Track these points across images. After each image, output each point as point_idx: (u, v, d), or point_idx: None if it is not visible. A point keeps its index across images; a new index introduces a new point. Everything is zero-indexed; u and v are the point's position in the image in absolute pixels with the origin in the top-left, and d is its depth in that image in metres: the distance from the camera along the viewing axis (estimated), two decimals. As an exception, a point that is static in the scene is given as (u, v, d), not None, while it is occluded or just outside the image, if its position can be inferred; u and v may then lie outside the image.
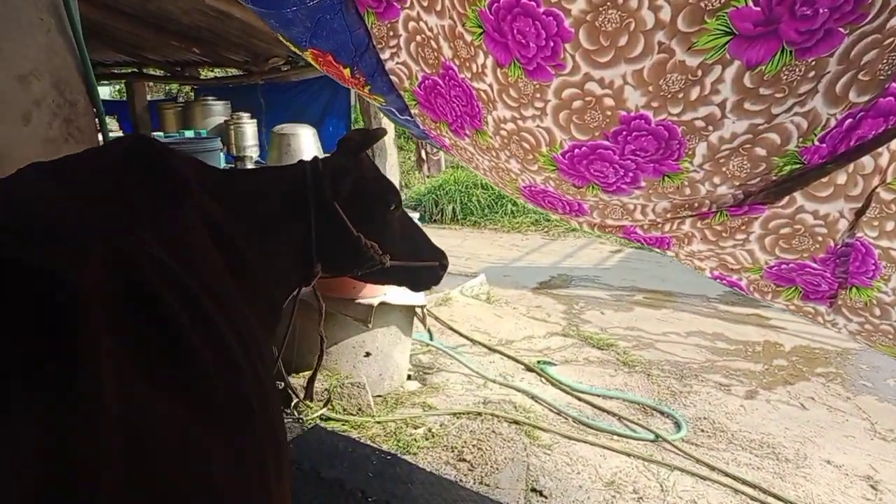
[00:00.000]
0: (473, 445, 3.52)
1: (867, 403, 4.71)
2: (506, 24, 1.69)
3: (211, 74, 8.85)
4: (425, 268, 2.27)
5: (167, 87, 11.49)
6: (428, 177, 11.47)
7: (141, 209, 1.35)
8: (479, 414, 3.92)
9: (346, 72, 2.45)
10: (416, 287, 2.42)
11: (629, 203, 2.03)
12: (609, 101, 1.68)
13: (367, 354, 4.00)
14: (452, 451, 3.47)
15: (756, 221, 1.84)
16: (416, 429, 3.67)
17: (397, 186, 6.38)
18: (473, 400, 4.16)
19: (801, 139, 1.55)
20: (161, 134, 4.70)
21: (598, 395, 4.55)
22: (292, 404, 3.72)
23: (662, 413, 4.40)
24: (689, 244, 2.08)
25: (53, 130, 2.85)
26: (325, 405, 3.70)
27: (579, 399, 4.46)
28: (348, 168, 1.98)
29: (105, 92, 12.50)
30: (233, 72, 6.95)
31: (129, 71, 7.73)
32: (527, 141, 1.98)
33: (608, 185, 1.95)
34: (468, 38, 1.83)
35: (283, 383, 3.80)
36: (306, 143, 4.38)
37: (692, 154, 1.69)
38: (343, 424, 3.62)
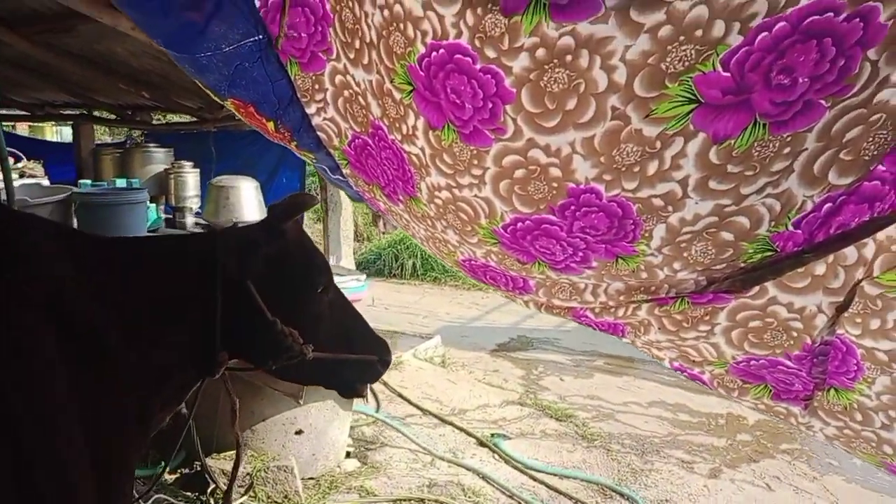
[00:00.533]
0: (413, 540, 3.17)
1: (834, 484, 4.49)
2: (438, 81, 1.47)
3: (173, 119, 8.59)
4: (359, 363, 1.94)
5: (125, 131, 11.20)
6: (384, 233, 11.24)
7: None
8: (422, 501, 3.57)
9: (270, 125, 2.21)
10: (344, 388, 2.07)
11: (579, 282, 1.79)
12: (555, 172, 1.45)
13: (299, 432, 3.64)
14: (389, 549, 3.11)
15: (721, 312, 1.61)
16: (349, 520, 3.31)
17: (347, 243, 6.11)
18: (418, 482, 3.81)
19: (773, 223, 1.33)
20: (88, 182, 4.38)
21: (555, 475, 4.25)
22: (208, 490, 3.32)
23: (622, 495, 4.10)
24: (645, 333, 1.84)
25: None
26: (246, 492, 3.31)
27: (534, 479, 4.15)
28: (260, 241, 1.71)
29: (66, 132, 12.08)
30: (186, 118, 6.69)
31: (78, 113, 7.43)
32: (464, 212, 1.73)
33: (555, 262, 1.71)
34: (397, 95, 1.61)
35: (200, 466, 3.42)
36: (247, 198, 4.10)
37: (649, 236, 1.46)
38: None
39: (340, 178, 2.32)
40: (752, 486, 4.42)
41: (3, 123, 9.51)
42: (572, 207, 1.49)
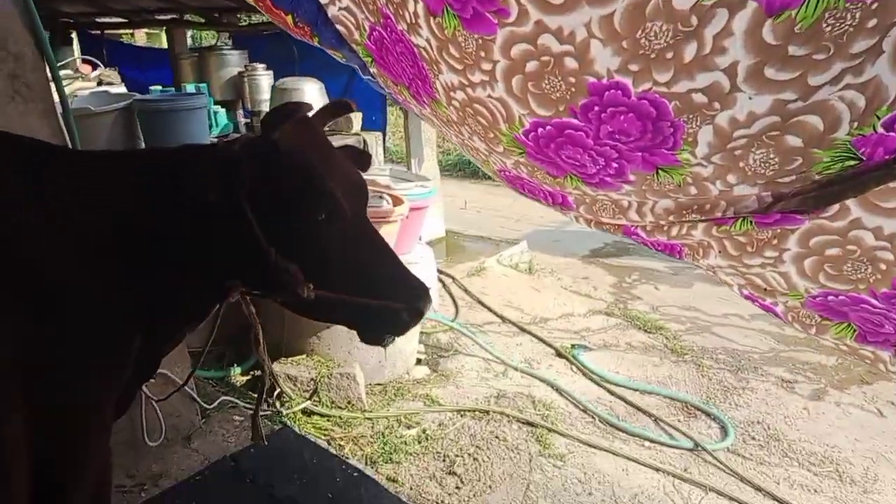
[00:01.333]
0: (469, 454, 3.10)
1: (961, 414, 3.99)
2: (427, -49, 1.19)
3: (262, 19, 8.51)
4: (378, 309, 1.55)
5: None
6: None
7: None
8: (486, 412, 3.49)
9: (289, 19, 2.00)
10: (365, 335, 1.70)
11: (621, 199, 1.51)
12: (571, 63, 1.16)
13: (364, 340, 3.62)
14: (443, 461, 3.06)
15: (792, 236, 1.29)
16: (409, 429, 3.28)
17: (430, 145, 5.87)
18: (486, 393, 3.73)
19: (855, 124, 1.00)
20: (158, 88, 4.39)
21: (635, 390, 4.04)
22: (274, 394, 3.40)
23: (708, 415, 3.84)
24: (704, 256, 1.55)
25: (-4, 87, 2.54)
26: (310, 397, 3.36)
27: (611, 393, 3.96)
28: (240, 157, 1.41)
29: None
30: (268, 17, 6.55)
31: (170, 18, 7.49)
32: (482, 115, 1.48)
33: (588, 176, 1.44)
34: (391, -27, 1.34)
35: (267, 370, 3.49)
36: (310, 100, 3.95)
37: (693, 142, 1.16)
38: (327, 420, 3.28)
39: (371, 78, 2.09)
40: (861, 410, 4.01)
41: (115, 31, 9.82)
42: (596, 108, 1.21)
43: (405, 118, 5.76)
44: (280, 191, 1.46)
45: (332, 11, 1.82)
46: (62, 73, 5.70)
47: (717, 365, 4.47)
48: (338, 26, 1.87)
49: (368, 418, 3.33)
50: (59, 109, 2.75)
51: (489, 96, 1.38)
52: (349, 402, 3.39)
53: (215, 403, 3.29)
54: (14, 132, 2.61)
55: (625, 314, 5.18)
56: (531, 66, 1.22)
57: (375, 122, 6.02)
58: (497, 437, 3.26)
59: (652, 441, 3.49)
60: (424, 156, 5.72)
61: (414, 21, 1.40)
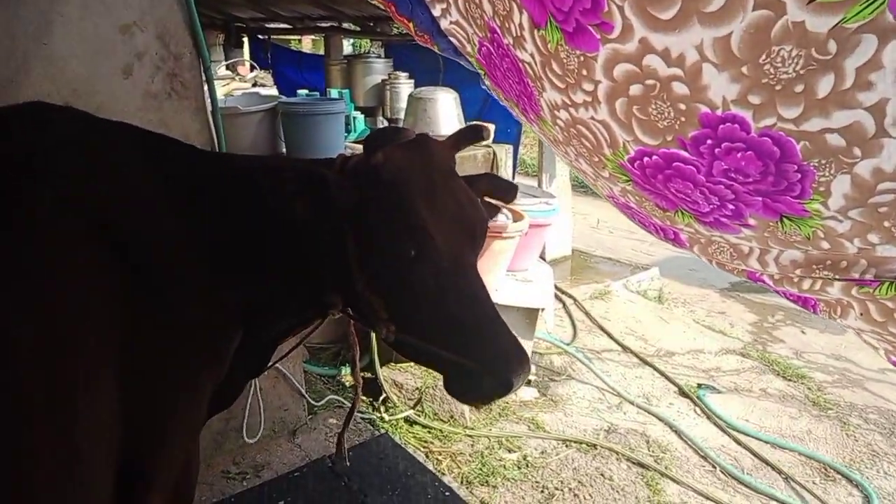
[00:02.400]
0: (570, 489, 2.93)
1: None
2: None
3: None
4: (463, 367, 1.31)
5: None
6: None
7: None
8: (594, 446, 3.29)
9: (412, 26, 1.98)
10: (450, 388, 1.41)
11: (740, 244, 1.32)
12: (681, 89, 1.03)
13: (472, 356, 3.55)
14: (542, 492, 2.91)
15: (955, 309, 1.05)
16: (509, 452, 3.16)
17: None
18: (596, 425, 3.53)
19: None
20: (304, 92, 4.59)
21: (765, 442, 3.65)
22: (380, 399, 3.42)
23: (850, 480, 3.39)
24: (843, 316, 1.32)
25: (156, 84, 2.75)
26: (414, 406, 3.34)
27: (738, 443, 3.61)
28: (325, 176, 1.37)
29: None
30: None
31: (328, 25, 7.91)
32: (586, 138, 1.36)
33: (701, 214, 1.27)
34: (497, -17, 1.27)
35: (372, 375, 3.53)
36: (445, 110, 3.94)
37: (825, 192, 0.98)
38: (428, 432, 3.24)
39: (487, 88, 2.02)
40: None
41: (283, 37, 10.55)
42: (709, 142, 1.05)
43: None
44: (378, 220, 1.36)
45: (444, 24, 1.78)
46: (225, 73, 6.17)
47: (867, 425, 3.95)
48: (451, 38, 1.82)
49: (469, 435, 3.25)
50: (209, 108, 2.95)
51: (592, 118, 1.26)
52: (452, 417, 3.33)
53: (323, 401, 3.37)
54: (168, 127, 2.82)
55: (763, 357, 4.71)
56: (635, 89, 1.09)
57: (510, 134, 5.95)
58: (602, 475, 3.06)
59: (780, 502, 3.12)
60: (557, 171, 5.57)
61: (519, 34, 1.32)
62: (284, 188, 1.37)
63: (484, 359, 1.30)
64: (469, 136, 1.55)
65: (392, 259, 1.35)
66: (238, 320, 1.50)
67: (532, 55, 1.31)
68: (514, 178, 4.99)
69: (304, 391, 3.21)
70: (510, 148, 4.65)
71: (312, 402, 3.31)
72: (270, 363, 1.77)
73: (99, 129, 1.36)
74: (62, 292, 1.10)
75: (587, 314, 4.84)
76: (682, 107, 1.03)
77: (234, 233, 1.47)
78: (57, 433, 1.02)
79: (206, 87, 2.93)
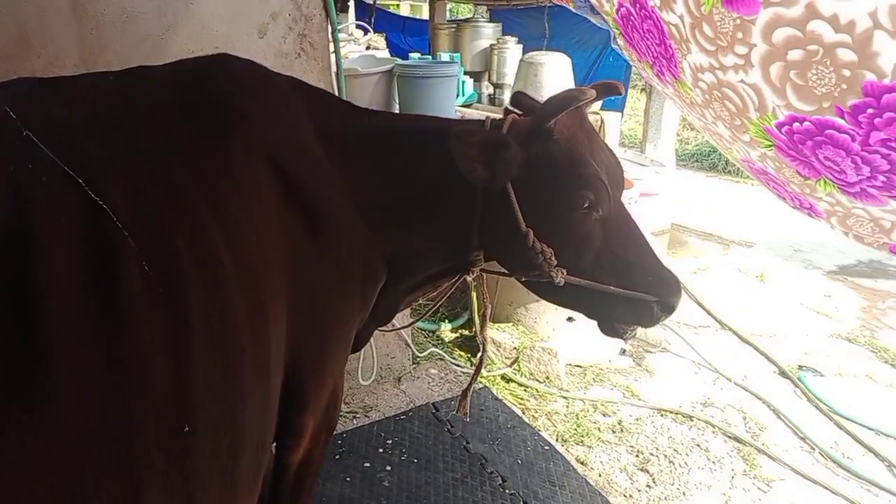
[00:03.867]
0: (666, 456, 2.97)
1: None
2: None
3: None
4: (633, 302, 1.55)
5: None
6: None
7: (162, 143, 1.18)
8: (690, 418, 3.29)
9: (552, -21, 2.02)
10: (605, 326, 1.70)
11: (882, 218, 1.32)
12: (846, 55, 1.04)
13: (570, 319, 3.60)
14: (637, 457, 2.97)
15: None
16: (604, 416, 3.22)
17: (670, 131, 5.58)
18: (691, 398, 3.52)
19: None
20: (417, 55, 4.67)
21: (870, 430, 3.53)
22: (478, 356, 3.53)
23: (961, 475, 3.25)
24: None
25: (287, 44, 2.90)
26: (511, 364, 3.45)
27: (839, 427, 3.52)
28: (506, 141, 1.47)
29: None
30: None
31: (435, -11, 7.96)
32: (731, 101, 1.38)
33: (846, 184, 1.28)
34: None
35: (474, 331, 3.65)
36: (555, 75, 3.92)
37: None
38: (524, 390, 3.34)
39: (619, 48, 2.04)
40: None
41: (384, 2, 10.67)
42: (870, 111, 1.07)
43: (647, 100, 5.53)
44: (547, 176, 1.50)
45: (584, -15, 1.81)
46: (342, 36, 6.32)
47: None
48: (589, -2, 1.85)
49: (564, 397, 3.34)
50: (333, 69, 3.09)
51: (741, 81, 1.28)
52: (547, 378, 3.42)
53: (425, 353, 3.53)
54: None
55: (870, 343, 4.52)
56: (795, 54, 1.11)
57: (615, 102, 5.87)
58: (698, 446, 3.08)
59: (881, 489, 3.04)
60: (662, 141, 5.46)
61: (669, -2, 1.34)
62: (463, 149, 1.46)
63: (650, 287, 1.54)
64: (606, 92, 1.59)
65: (565, 209, 1.50)
66: (384, 269, 1.62)
67: (681, 17, 1.34)
68: (617, 147, 4.95)
69: (410, 342, 3.37)
70: (618, 115, 4.61)
71: (417, 353, 3.47)
72: (410, 322, 1.90)
73: (274, 82, 1.48)
74: (252, 225, 1.22)
75: (685, 289, 4.77)
76: (847, 74, 1.05)
77: (390, 187, 1.58)
78: (257, 345, 1.15)
79: (331, 49, 3.07)
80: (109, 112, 1.17)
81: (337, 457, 2.75)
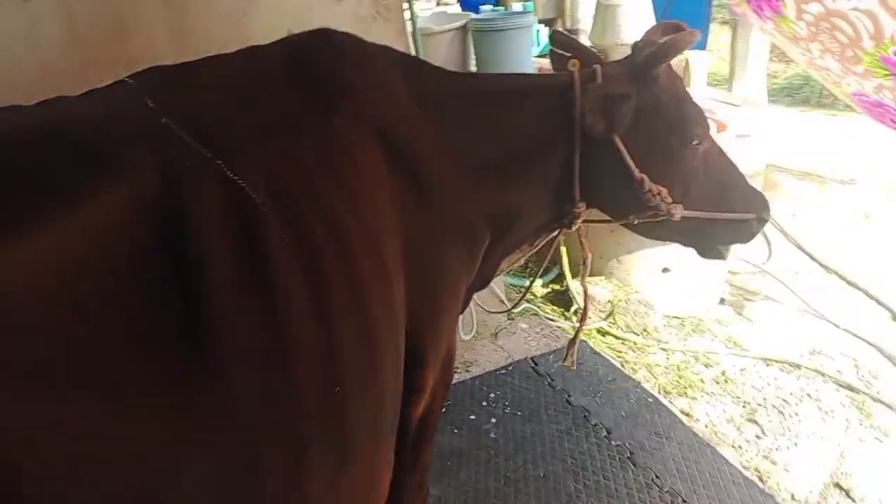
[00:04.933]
0: (774, 406, 2.87)
1: None
2: None
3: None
4: (731, 222, 1.72)
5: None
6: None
7: (282, 119, 1.24)
8: (798, 367, 3.17)
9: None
10: (706, 249, 1.87)
11: None
12: None
13: (665, 270, 3.50)
14: (743, 407, 2.89)
15: None
16: (706, 367, 3.14)
17: (759, 64, 5.27)
18: (798, 347, 3.38)
19: None
20: (489, 7, 4.55)
21: None
22: (571, 309, 3.51)
23: None
24: None
25: (363, 9, 2.90)
26: (606, 317, 3.40)
27: (964, 375, 3.31)
28: (629, 93, 1.53)
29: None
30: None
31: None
32: (841, 31, 1.30)
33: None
34: None
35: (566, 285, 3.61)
36: (635, 17, 3.73)
37: None
38: (622, 343, 3.30)
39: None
40: None
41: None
42: None
43: (732, 35, 5.22)
44: (657, 120, 1.58)
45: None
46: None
47: None
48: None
49: (663, 349, 3.28)
50: (408, 28, 3.06)
51: (854, 9, 1.19)
52: (644, 330, 3.37)
53: (520, 308, 3.53)
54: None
55: None
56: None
57: (698, 42, 5.56)
58: (808, 395, 2.97)
59: None
60: (750, 76, 5.16)
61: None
62: (589, 102, 1.53)
63: (748, 206, 1.72)
64: (685, 41, 1.61)
65: (676, 148, 1.61)
66: (488, 229, 1.62)
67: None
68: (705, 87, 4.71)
69: (504, 298, 3.38)
70: (703, 55, 4.37)
71: (511, 309, 3.47)
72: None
73: (371, 52, 1.51)
74: (368, 194, 1.27)
75: (784, 233, 4.55)
76: None
77: (489, 147, 1.59)
78: (387, 309, 1.21)
79: (405, 9, 3.04)
80: (233, 94, 1.24)
81: (444, 410, 2.81)
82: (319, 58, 1.38)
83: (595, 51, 1.92)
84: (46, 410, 0.77)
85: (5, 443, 0.74)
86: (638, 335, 3.35)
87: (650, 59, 1.57)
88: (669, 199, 1.57)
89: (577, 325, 2.05)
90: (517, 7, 4.26)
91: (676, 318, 3.56)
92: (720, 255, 1.84)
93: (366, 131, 1.32)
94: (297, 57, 1.37)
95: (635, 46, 1.71)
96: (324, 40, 1.44)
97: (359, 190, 1.24)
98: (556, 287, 3.87)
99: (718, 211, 1.67)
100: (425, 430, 1.68)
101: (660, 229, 1.73)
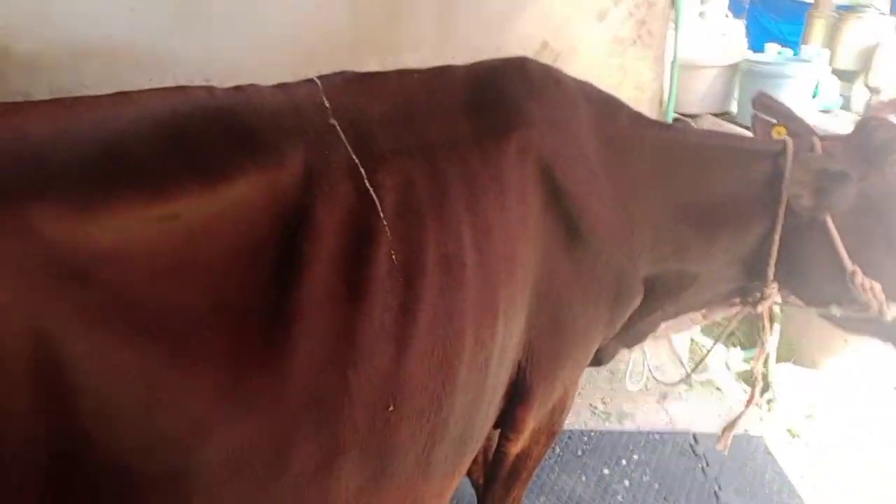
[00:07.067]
0: None
1: None
2: None
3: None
4: None
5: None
6: None
7: (445, 140, 1.25)
8: None
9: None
10: None
11: None
12: None
13: None
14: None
15: None
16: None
17: None
18: None
19: None
20: (776, 48, 4.05)
21: None
22: (765, 396, 3.10)
23: None
24: None
25: (624, 30, 2.83)
26: (804, 419, 2.94)
27: None
28: (850, 173, 1.39)
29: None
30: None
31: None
32: None
33: None
34: None
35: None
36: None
37: None
38: (817, 455, 2.80)
39: None
40: None
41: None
42: None
43: None
44: (883, 211, 1.46)
45: None
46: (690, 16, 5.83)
47: None
48: None
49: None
50: (669, 58, 2.92)
51: None
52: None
53: (703, 377, 3.23)
54: (626, 72, 2.90)
55: None
56: None
57: None
58: None
59: None
60: None
61: None
62: (800, 174, 1.43)
63: None
64: None
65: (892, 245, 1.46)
66: (641, 290, 1.53)
67: None
68: None
69: (684, 361, 3.12)
70: None
71: (691, 374, 3.20)
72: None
73: (565, 87, 1.46)
74: (506, 227, 1.24)
75: None
76: None
77: (671, 205, 1.51)
78: (479, 345, 1.19)
79: (671, 37, 2.89)
80: (407, 107, 1.27)
81: (580, 453, 2.71)
82: (505, 86, 1.37)
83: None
84: (120, 350, 0.87)
85: (74, 376, 0.84)
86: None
87: (890, 143, 1.43)
88: (883, 297, 1.44)
89: (744, 409, 1.93)
90: (811, 53, 3.78)
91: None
92: None
93: (529, 166, 1.29)
94: (482, 82, 1.37)
95: (863, 124, 1.54)
96: (518, 68, 1.43)
97: (496, 223, 1.22)
98: (762, 368, 3.46)
99: None
100: (521, 470, 1.66)
101: (865, 327, 1.61)
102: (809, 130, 1.64)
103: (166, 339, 0.91)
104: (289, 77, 1.32)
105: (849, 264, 1.44)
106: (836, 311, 1.55)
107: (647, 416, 2.99)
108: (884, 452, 2.88)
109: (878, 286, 1.44)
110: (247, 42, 2.30)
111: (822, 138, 1.56)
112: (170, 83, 1.10)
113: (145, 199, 0.91)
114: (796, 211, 1.45)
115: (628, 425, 2.93)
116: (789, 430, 2.99)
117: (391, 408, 1.08)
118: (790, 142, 1.50)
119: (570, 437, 2.78)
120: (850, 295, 1.47)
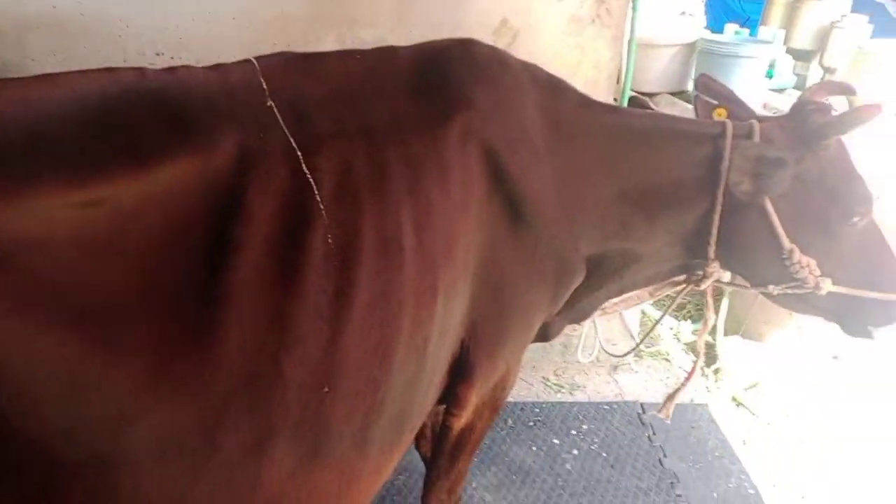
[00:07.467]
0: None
1: None
2: None
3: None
4: (885, 302, 1.62)
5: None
6: None
7: (387, 123, 1.25)
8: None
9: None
10: (851, 327, 1.75)
11: None
12: None
13: (836, 358, 3.08)
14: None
15: None
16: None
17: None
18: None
19: None
20: (735, 29, 4.11)
21: None
22: (713, 367, 3.22)
23: None
24: None
25: (583, 9, 2.84)
26: (747, 388, 3.06)
27: None
28: (787, 158, 1.44)
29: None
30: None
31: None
32: None
33: None
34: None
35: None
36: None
37: None
38: (754, 420, 2.93)
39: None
40: None
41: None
42: None
43: None
44: (818, 192, 1.51)
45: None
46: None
47: None
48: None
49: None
50: (626, 37, 2.94)
51: None
52: (787, 414, 3.00)
53: (652, 348, 3.34)
54: (583, 51, 2.91)
55: None
56: None
57: None
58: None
59: None
60: None
61: None
62: (738, 160, 1.47)
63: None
64: (868, 115, 1.46)
65: (835, 224, 1.53)
66: (583, 270, 1.57)
67: None
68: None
69: (634, 333, 3.22)
70: None
71: (641, 347, 3.30)
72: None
73: (511, 69, 1.47)
74: (446, 210, 1.26)
75: None
76: None
77: (614, 187, 1.54)
78: (417, 326, 1.22)
79: (629, 16, 2.92)
80: (349, 89, 1.27)
81: (531, 424, 2.79)
82: (449, 69, 1.38)
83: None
84: (41, 337, 0.87)
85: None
86: (787, 416, 2.98)
87: (825, 127, 1.47)
88: (818, 272, 1.52)
89: (684, 380, 2.02)
90: (768, 33, 3.84)
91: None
92: (867, 335, 1.73)
93: (472, 149, 1.31)
94: (429, 63, 1.38)
95: (799, 106, 1.57)
96: (463, 50, 1.44)
97: (437, 205, 1.24)
98: (709, 339, 3.58)
99: (868, 288, 1.58)
100: (465, 444, 1.70)
101: (801, 303, 1.67)
102: (750, 113, 1.68)
103: (90, 325, 0.91)
104: (243, 50, 1.31)
105: (787, 243, 1.49)
106: (773, 289, 1.62)
107: (597, 388, 3.08)
108: (823, 420, 3.02)
109: (813, 262, 1.51)
110: (200, 15, 2.27)
111: (762, 120, 1.60)
112: (119, 56, 1.07)
113: (69, 184, 0.90)
114: (735, 192, 1.49)
115: (579, 396, 3.02)
116: (734, 399, 3.12)
117: (326, 389, 1.09)
118: (730, 124, 1.54)
119: (522, 409, 2.86)
120: (787, 272, 1.53)
